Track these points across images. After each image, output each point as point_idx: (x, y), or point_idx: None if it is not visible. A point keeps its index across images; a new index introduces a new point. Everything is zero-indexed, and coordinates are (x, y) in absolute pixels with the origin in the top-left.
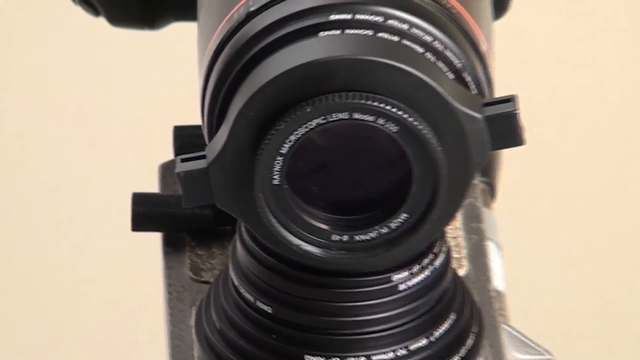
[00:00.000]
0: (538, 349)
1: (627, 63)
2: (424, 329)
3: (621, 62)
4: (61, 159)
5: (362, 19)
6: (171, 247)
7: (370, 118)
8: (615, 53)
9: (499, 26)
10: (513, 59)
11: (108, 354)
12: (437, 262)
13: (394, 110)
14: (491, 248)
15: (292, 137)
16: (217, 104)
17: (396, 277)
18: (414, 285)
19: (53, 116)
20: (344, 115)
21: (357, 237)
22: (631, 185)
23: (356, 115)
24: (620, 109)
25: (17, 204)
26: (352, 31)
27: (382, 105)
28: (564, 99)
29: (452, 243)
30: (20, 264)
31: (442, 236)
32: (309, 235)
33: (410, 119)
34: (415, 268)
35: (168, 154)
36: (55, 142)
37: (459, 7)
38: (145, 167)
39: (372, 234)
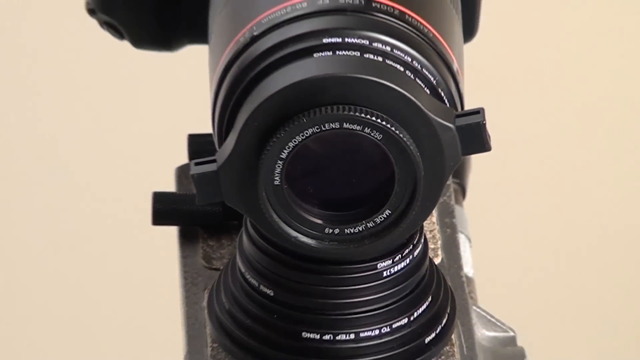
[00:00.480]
0: (502, 326)
1: (578, 71)
2: (405, 310)
3: (573, 73)
4: (92, 163)
5: (351, 42)
6: (186, 239)
7: (358, 127)
8: (568, 67)
9: (467, 48)
10: (478, 76)
11: (132, 331)
12: (416, 252)
13: (378, 120)
14: (462, 240)
15: (291, 144)
16: (225, 115)
17: (381, 265)
18: (396, 272)
19: (86, 125)
20: (335, 125)
21: (347, 230)
22: (584, 184)
23: (346, 125)
24: (573, 118)
25: (53, 203)
26: (342, 52)
27: (368, 116)
28: (525, 111)
29: (428, 235)
30: (55, 256)
31: (420, 229)
32: (305, 229)
33: (392, 128)
34: (398, 257)
35: (183, 159)
36: (88, 148)
37: (434, 32)
38: (163, 170)
39: (360, 228)
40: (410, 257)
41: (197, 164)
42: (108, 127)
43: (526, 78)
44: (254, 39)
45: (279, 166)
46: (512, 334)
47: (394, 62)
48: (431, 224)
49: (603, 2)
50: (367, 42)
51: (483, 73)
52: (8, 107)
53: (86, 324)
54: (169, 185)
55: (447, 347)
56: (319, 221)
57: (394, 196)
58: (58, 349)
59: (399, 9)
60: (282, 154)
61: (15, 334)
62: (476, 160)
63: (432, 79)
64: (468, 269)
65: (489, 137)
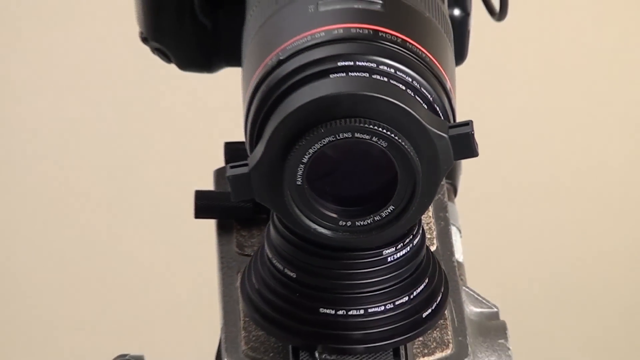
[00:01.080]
0: (487, 303)
1: (552, 89)
2: (406, 289)
3: (547, 91)
4: (147, 167)
5: (361, 65)
6: (222, 230)
7: (367, 136)
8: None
9: (458, 70)
10: (468, 93)
11: (177, 306)
12: (415, 241)
13: (384, 131)
14: (454, 231)
15: (311, 150)
16: (256, 126)
17: (385, 251)
18: (398, 258)
19: (143, 134)
20: (348, 135)
21: (357, 223)
22: (557, 185)
23: (357, 135)
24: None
25: (114, 199)
26: (353, 74)
27: (375, 127)
28: (507, 122)
29: (425, 227)
30: (115, 244)
31: (419, 222)
32: (322, 221)
33: (396, 137)
34: (400, 245)
35: (220, 163)
36: (143, 153)
37: (431, 57)
38: (204, 172)
39: (369, 220)
40: (411, 245)
41: (232, 167)
42: (160, 136)
43: (507, 96)
44: (280, 63)
45: (300, 169)
46: (495, 309)
47: (397, 82)
48: (428, 218)
49: (584, 30)
50: (375, 65)
51: (472, 90)
52: (74, 115)
53: (140, 300)
54: (209, 184)
55: (441, 321)
56: (334, 215)
57: (397, 194)
58: (114, 321)
59: (401, 38)
60: (304, 158)
61: (78, 313)
62: (466, 164)
63: (429, 96)
64: (458, 255)
65: (477, 144)
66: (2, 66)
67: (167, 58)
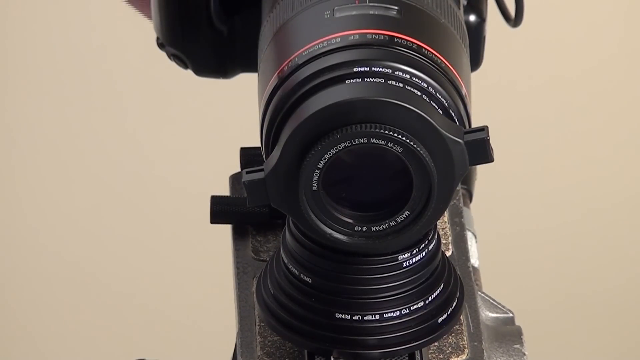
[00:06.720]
0: (503, 309)
1: (564, 96)
2: (421, 294)
3: (559, 97)
4: (163, 172)
5: (377, 71)
6: (238, 235)
7: (383, 142)
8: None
9: (474, 76)
10: (483, 99)
11: (194, 311)
12: (431, 246)
13: (399, 136)
14: (469, 236)
15: (326, 156)
16: (272, 131)
17: (401, 257)
18: (414, 263)
19: (159, 140)
20: (363, 140)
21: (373, 228)
22: (570, 190)
23: (372, 140)
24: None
25: (133, 203)
26: (369, 79)
27: (391, 133)
28: (522, 128)
29: (441, 232)
30: (133, 248)
31: (434, 227)
32: (338, 227)
33: (411, 143)
34: (415, 250)
35: (236, 168)
36: (160, 159)
37: (446, 63)
38: (220, 178)
39: (384, 226)
40: (426, 250)
41: (247, 172)
42: (176, 142)
43: (523, 101)
44: (296, 68)
45: (316, 174)
46: (511, 315)
47: (412, 87)
48: (443, 223)
49: (601, 36)
50: (390, 71)
51: (487, 96)
52: (90, 121)
53: (156, 305)
54: (224, 190)
55: (457, 326)
56: (350, 220)
57: (412, 200)
58: (130, 326)
59: (416, 44)
60: (319, 164)
61: (99, 314)
62: (481, 169)
63: (444, 101)
64: (474, 260)
65: (492, 150)
66: (32, 73)
67: (183, 64)
